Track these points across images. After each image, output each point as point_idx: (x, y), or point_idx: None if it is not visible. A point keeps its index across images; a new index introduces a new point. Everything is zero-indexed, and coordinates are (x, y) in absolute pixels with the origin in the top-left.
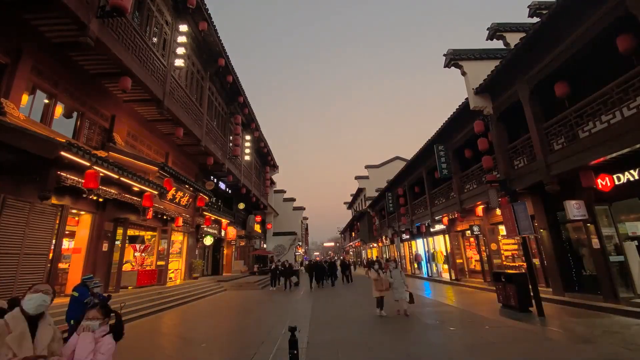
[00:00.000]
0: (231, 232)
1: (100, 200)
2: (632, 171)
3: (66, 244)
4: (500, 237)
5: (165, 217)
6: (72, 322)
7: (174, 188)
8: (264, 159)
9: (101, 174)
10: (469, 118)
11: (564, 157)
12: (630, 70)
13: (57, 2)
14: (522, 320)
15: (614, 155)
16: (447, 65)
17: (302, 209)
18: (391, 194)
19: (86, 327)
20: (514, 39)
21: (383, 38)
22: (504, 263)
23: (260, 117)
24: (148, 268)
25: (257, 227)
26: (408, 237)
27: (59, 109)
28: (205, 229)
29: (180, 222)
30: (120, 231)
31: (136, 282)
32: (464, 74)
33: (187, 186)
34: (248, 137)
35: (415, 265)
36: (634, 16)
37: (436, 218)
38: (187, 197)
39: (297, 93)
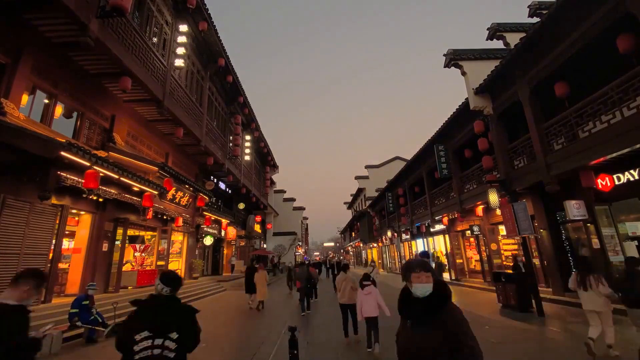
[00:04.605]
0: (231, 232)
1: (100, 200)
2: (632, 171)
3: (66, 244)
4: (500, 237)
5: (165, 217)
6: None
7: (174, 188)
8: (264, 159)
9: (101, 174)
10: (469, 118)
11: (564, 157)
12: (630, 70)
13: (57, 2)
14: (522, 320)
15: (614, 155)
16: (447, 65)
17: (302, 209)
18: (391, 194)
19: None
20: (514, 39)
21: (384, 37)
22: (504, 263)
23: (260, 117)
24: (148, 268)
25: (257, 227)
26: (408, 237)
27: (59, 109)
28: (205, 229)
29: (180, 222)
30: (120, 231)
31: (136, 282)
32: (464, 74)
33: (187, 186)
34: (248, 137)
35: None
36: (634, 16)
37: (436, 218)
38: (187, 197)
39: (296, 93)
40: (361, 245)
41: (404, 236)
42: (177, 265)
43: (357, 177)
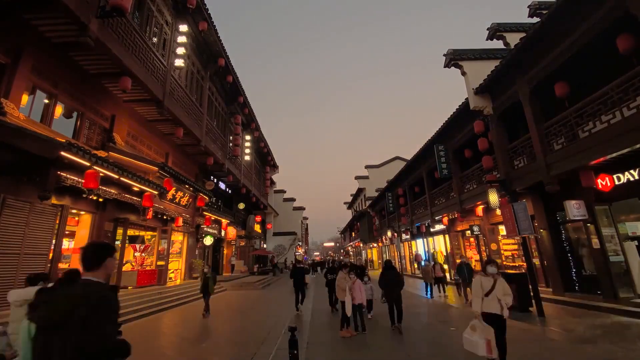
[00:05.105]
0: (231, 232)
1: (100, 200)
2: (632, 171)
3: (66, 244)
4: (500, 237)
5: (165, 217)
6: None
7: (174, 188)
8: (264, 158)
9: (101, 174)
10: (469, 118)
11: (564, 157)
12: (630, 70)
13: (57, 2)
14: (522, 320)
15: (613, 155)
16: (447, 65)
17: (302, 209)
18: (391, 194)
19: None
20: (514, 39)
21: (384, 37)
22: (504, 263)
23: (262, 118)
24: (148, 268)
25: (257, 227)
26: (408, 237)
27: (59, 109)
28: (205, 229)
29: (180, 222)
30: (120, 231)
31: (136, 282)
32: (464, 74)
33: (187, 186)
34: (248, 137)
35: (415, 265)
36: (634, 16)
37: (436, 218)
38: (187, 197)
39: (297, 93)
40: (361, 245)
41: (404, 236)
42: (177, 265)
43: (357, 177)
